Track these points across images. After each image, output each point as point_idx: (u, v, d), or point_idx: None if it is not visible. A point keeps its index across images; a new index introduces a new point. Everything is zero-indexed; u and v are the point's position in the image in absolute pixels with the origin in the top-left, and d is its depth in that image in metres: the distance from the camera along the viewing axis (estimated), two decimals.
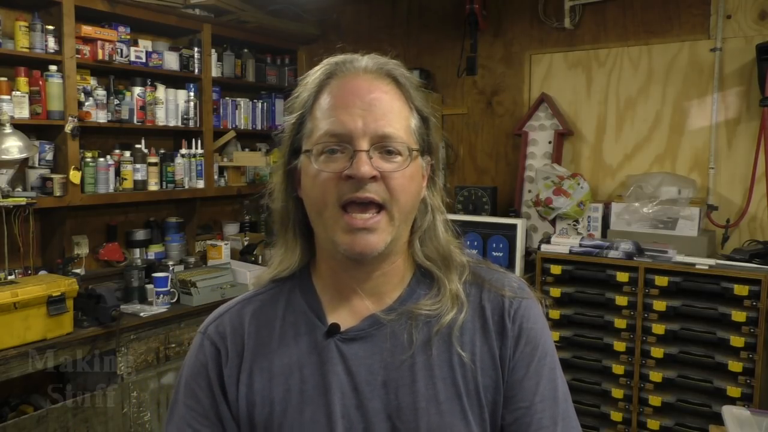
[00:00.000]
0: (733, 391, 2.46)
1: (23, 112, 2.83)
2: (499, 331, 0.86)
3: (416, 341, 0.84)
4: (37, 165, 2.94)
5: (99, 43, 3.07)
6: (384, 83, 0.84)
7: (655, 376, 2.63)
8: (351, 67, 0.85)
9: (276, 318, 0.89)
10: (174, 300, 3.11)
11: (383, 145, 0.81)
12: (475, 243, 3.17)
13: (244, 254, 3.72)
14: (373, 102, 0.82)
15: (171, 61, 3.45)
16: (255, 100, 4.05)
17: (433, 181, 0.92)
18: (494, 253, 3.13)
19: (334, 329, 0.85)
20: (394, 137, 0.82)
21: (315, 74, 0.87)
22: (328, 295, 0.89)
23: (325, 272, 0.90)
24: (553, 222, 3.23)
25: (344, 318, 0.87)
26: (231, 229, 4.05)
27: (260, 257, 3.68)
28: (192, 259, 3.55)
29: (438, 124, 0.92)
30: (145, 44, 3.37)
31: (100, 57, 3.07)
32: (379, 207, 0.81)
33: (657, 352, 2.62)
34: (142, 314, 2.89)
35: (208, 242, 3.67)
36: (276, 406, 0.84)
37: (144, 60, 3.31)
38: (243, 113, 3.95)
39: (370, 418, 0.81)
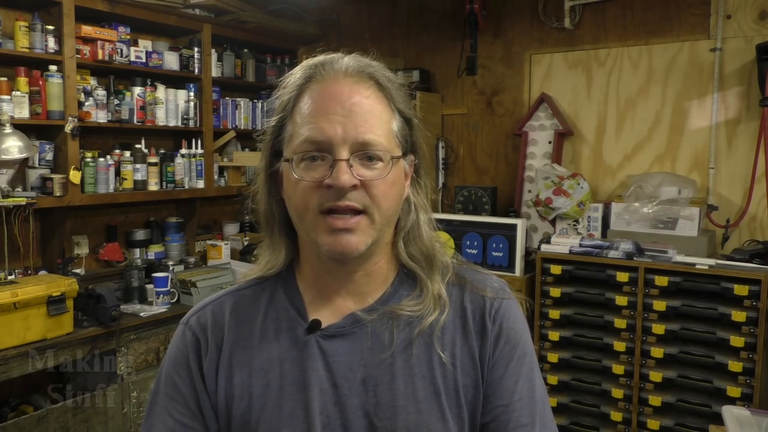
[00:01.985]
0: (733, 391, 2.46)
1: (23, 112, 2.83)
2: (479, 331, 0.87)
3: (397, 341, 0.85)
4: (37, 165, 2.94)
5: (99, 43, 3.07)
6: (365, 87, 0.82)
7: (655, 376, 2.63)
8: (331, 70, 0.83)
9: (258, 314, 0.90)
10: (174, 300, 3.11)
11: (364, 152, 0.80)
12: (475, 243, 3.17)
13: (244, 254, 3.72)
14: (354, 108, 0.80)
15: (171, 61, 3.45)
16: (255, 100, 4.04)
17: (417, 180, 0.91)
18: (494, 253, 3.13)
19: (316, 325, 0.86)
20: (375, 144, 0.80)
21: (295, 76, 0.86)
22: (311, 295, 0.89)
23: (307, 272, 0.90)
24: (553, 222, 3.23)
25: (326, 316, 0.87)
26: (231, 229, 4.05)
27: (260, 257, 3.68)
28: (192, 259, 3.55)
29: (421, 124, 0.90)
30: (145, 44, 3.37)
31: (100, 57, 3.07)
32: (360, 211, 0.81)
33: (657, 352, 2.62)
34: (142, 314, 2.89)
35: (208, 242, 3.68)
36: (254, 401, 0.84)
37: (144, 60, 3.31)
38: (243, 113, 3.95)
39: (347, 414, 0.82)
